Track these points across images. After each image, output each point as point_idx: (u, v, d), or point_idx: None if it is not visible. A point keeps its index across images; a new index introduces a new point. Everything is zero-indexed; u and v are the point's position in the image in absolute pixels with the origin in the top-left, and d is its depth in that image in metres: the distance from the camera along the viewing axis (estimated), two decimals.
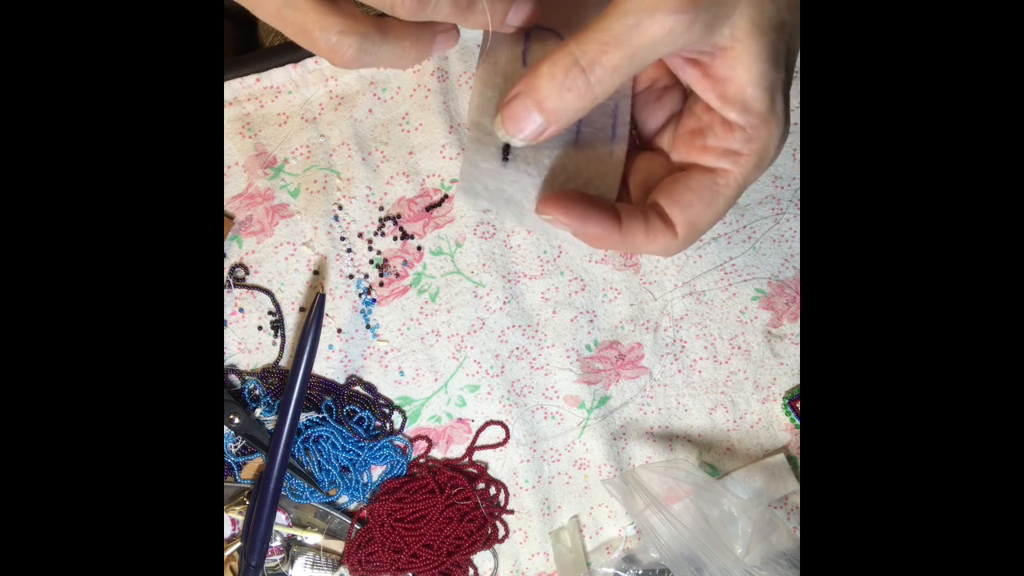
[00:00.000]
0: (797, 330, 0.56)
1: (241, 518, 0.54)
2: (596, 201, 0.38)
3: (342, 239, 0.55)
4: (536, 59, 0.40)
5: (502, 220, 0.55)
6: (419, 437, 0.56)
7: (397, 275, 0.55)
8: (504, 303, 0.55)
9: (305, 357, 0.51)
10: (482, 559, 0.56)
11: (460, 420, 0.56)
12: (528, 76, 0.36)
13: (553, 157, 0.40)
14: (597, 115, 0.41)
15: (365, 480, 0.55)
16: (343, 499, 0.55)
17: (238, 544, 0.54)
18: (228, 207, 0.55)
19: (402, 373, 0.55)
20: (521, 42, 0.41)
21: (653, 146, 0.42)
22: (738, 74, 0.36)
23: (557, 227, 0.38)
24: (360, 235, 0.55)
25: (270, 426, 0.54)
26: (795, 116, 0.55)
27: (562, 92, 0.35)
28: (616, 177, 0.41)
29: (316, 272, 0.55)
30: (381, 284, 0.55)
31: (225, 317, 0.55)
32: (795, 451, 0.56)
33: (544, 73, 0.35)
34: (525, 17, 0.39)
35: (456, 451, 0.56)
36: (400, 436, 0.55)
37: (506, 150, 0.39)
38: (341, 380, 0.55)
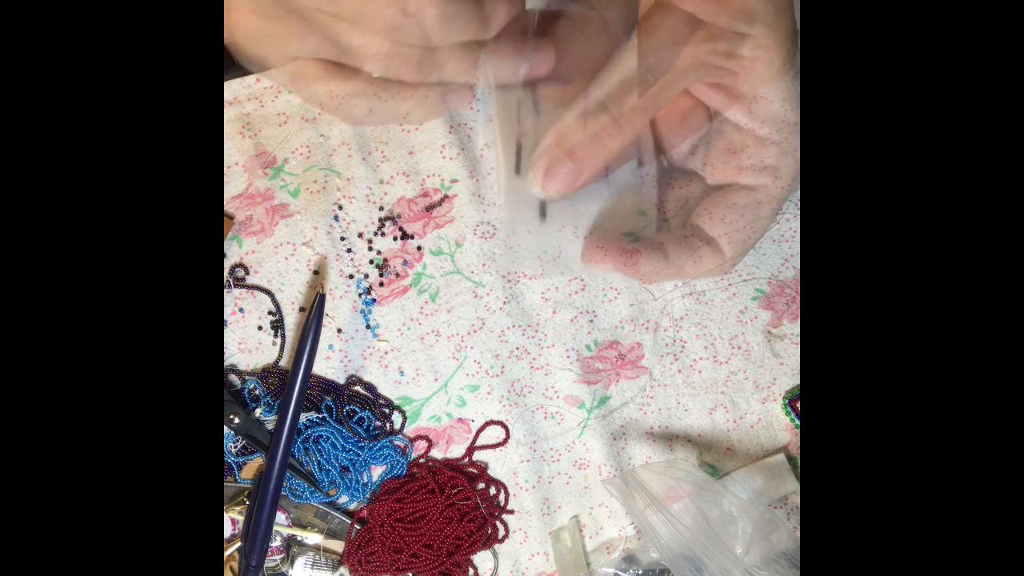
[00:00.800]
0: (797, 330, 0.56)
1: (241, 518, 0.54)
2: (639, 240, 0.38)
3: (342, 239, 0.55)
4: (548, 107, 0.39)
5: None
6: (419, 437, 0.56)
7: (397, 275, 0.55)
8: (504, 303, 0.55)
9: (305, 357, 0.51)
10: (482, 559, 0.56)
11: (460, 420, 0.56)
12: (555, 128, 0.35)
13: (588, 202, 0.40)
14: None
15: (365, 480, 0.55)
16: (343, 499, 0.55)
17: (238, 544, 0.54)
18: (228, 207, 0.55)
19: (402, 373, 0.55)
20: (529, 93, 0.40)
21: (685, 168, 0.42)
22: (765, 91, 0.35)
23: (607, 272, 0.38)
24: (360, 235, 0.55)
25: (270, 426, 0.54)
26: (795, 116, 0.55)
27: (593, 139, 0.34)
28: (651, 205, 0.41)
29: (316, 272, 0.55)
30: (381, 284, 0.55)
31: (225, 317, 0.55)
32: (795, 451, 0.56)
33: (571, 122, 0.35)
34: (545, 70, 0.37)
35: (456, 451, 0.56)
36: (400, 436, 0.55)
37: (543, 208, 0.39)
38: (341, 380, 0.55)
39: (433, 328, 0.55)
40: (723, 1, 0.35)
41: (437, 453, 0.56)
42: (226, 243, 0.55)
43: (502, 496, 0.56)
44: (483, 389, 0.55)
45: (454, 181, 0.55)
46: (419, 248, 0.55)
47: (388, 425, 0.55)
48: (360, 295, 0.55)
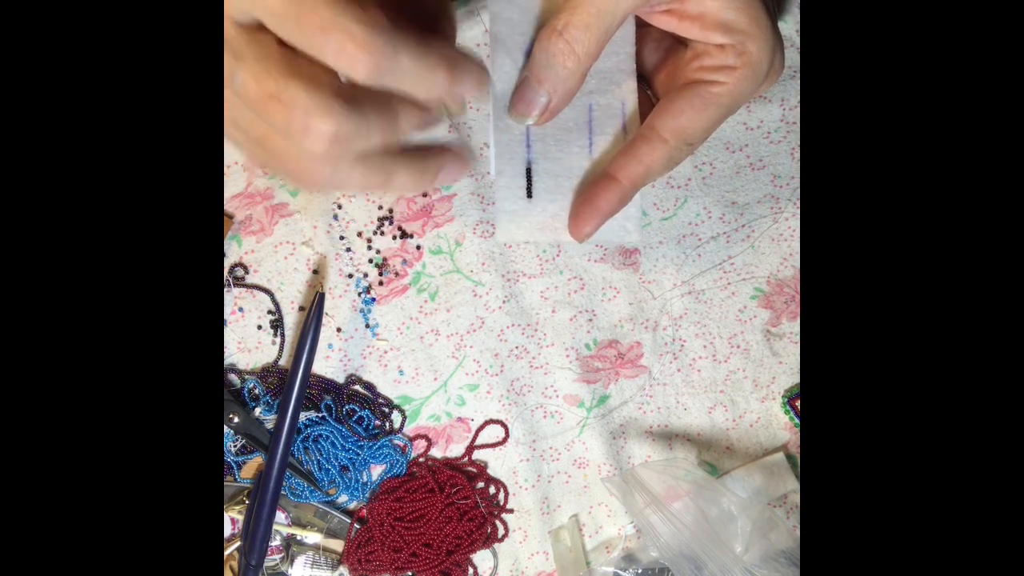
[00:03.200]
0: (796, 329, 0.56)
1: (241, 517, 0.54)
2: (595, 183, 0.41)
3: (341, 238, 0.55)
4: None
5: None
6: (418, 436, 0.56)
7: (396, 274, 0.55)
8: (503, 302, 0.55)
9: (304, 356, 0.51)
10: (482, 558, 0.56)
11: (459, 419, 0.56)
12: (528, 63, 0.40)
13: (573, 179, 0.43)
14: (604, 117, 0.43)
15: (364, 479, 0.55)
16: (343, 498, 0.55)
17: (238, 543, 0.54)
18: (228, 206, 0.55)
19: (401, 372, 0.55)
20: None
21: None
22: (708, 6, 0.38)
23: (596, 232, 0.42)
24: (359, 234, 0.55)
25: (269, 425, 0.54)
26: (795, 115, 0.55)
27: (550, 60, 0.38)
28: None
29: (315, 271, 0.55)
30: (380, 283, 0.55)
31: (225, 316, 0.55)
32: (794, 450, 0.56)
33: (534, 51, 0.39)
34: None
35: (456, 450, 0.56)
36: (399, 435, 0.55)
37: (529, 190, 0.43)
38: (340, 379, 0.55)
39: (432, 327, 0.55)
40: (696, 16, 0.38)
41: (437, 452, 0.56)
42: (226, 242, 0.55)
43: (501, 495, 0.56)
44: (482, 388, 0.55)
45: None
46: (418, 247, 0.55)
47: (388, 424, 0.55)
48: (359, 294, 0.55)
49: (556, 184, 0.43)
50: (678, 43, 0.42)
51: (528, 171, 0.43)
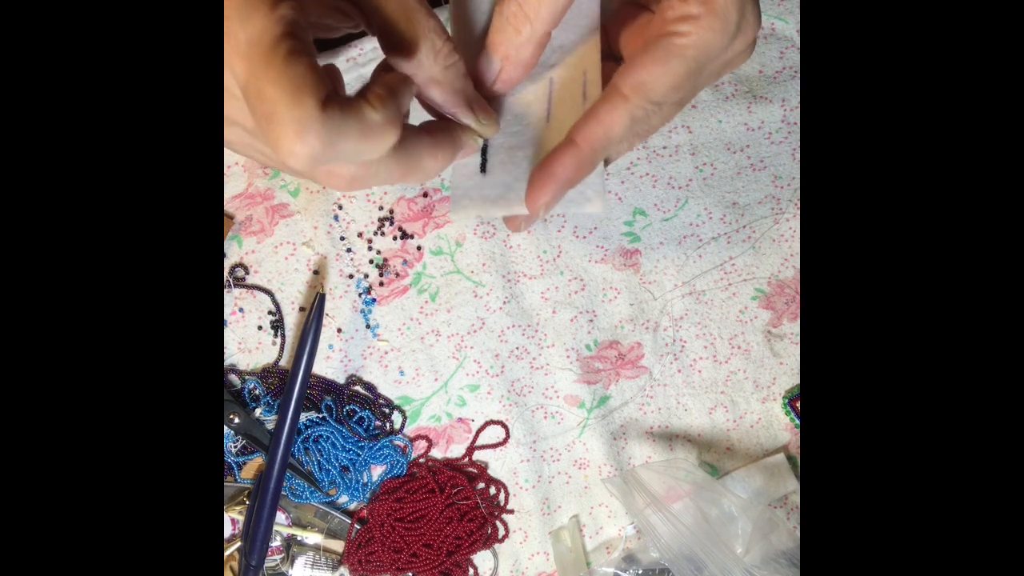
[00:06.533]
0: (796, 329, 0.56)
1: (241, 518, 0.54)
2: (554, 152, 0.39)
3: (342, 239, 0.55)
4: None
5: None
6: (419, 437, 0.56)
7: (397, 275, 0.55)
8: (504, 303, 0.55)
9: (305, 357, 0.51)
10: (482, 559, 0.56)
11: (460, 420, 0.56)
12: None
13: (528, 149, 0.41)
14: (564, 91, 0.42)
15: (365, 480, 0.55)
16: (343, 499, 0.55)
17: (238, 544, 0.54)
18: (228, 207, 0.55)
19: (402, 373, 0.55)
20: None
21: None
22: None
23: (555, 201, 0.39)
24: (360, 235, 0.55)
25: (270, 426, 0.54)
26: (796, 115, 0.55)
27: (504, 26, 0.38)
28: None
29: (316, 272, 0.55)
30: (381, 284, 0.55)
31: (225, 317, 0.55)
32: (795, 451, 0.56)
33: (493, 17, 0.38)
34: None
35: (456, 451, 0.56)
36: (400, 436, 0.55)
37: (483, 165, 0.41)
38: (341, 380, 0.55)
39: (433, 328, 0.55)
40: None
41: (437, 453, 0.56)
42: (226, 243, 0.55)
43: (502, 496, 0.56)
44: (483, 389, 0.55)
45: None
46: (419, 248, 0.55)
47: (388, 425, 0.55)
48: (360, 295, 0.55)
49: (510, 156, 0.41)
50: (649, 14, 0.40)
51: (484, 147, 0.41)
